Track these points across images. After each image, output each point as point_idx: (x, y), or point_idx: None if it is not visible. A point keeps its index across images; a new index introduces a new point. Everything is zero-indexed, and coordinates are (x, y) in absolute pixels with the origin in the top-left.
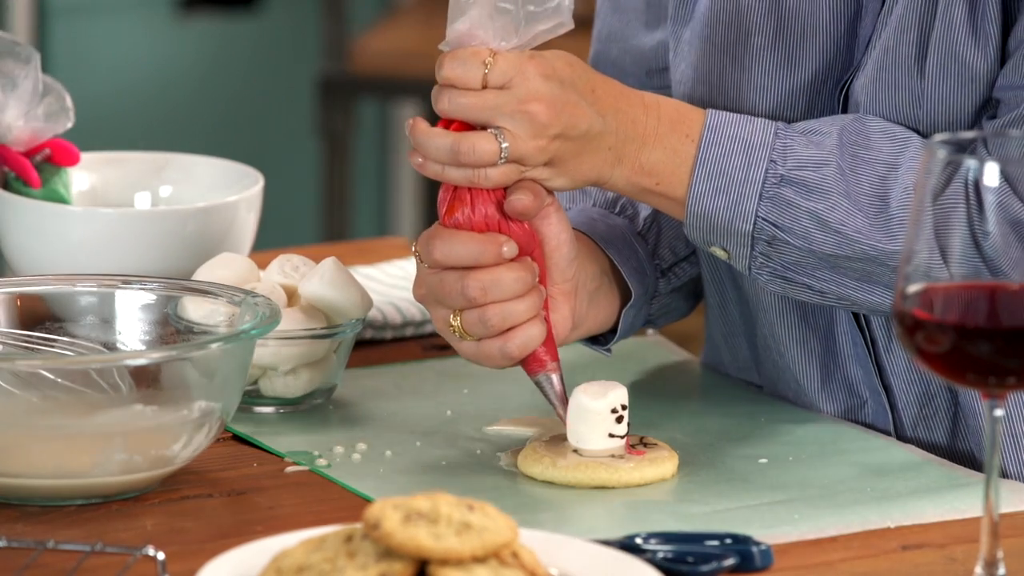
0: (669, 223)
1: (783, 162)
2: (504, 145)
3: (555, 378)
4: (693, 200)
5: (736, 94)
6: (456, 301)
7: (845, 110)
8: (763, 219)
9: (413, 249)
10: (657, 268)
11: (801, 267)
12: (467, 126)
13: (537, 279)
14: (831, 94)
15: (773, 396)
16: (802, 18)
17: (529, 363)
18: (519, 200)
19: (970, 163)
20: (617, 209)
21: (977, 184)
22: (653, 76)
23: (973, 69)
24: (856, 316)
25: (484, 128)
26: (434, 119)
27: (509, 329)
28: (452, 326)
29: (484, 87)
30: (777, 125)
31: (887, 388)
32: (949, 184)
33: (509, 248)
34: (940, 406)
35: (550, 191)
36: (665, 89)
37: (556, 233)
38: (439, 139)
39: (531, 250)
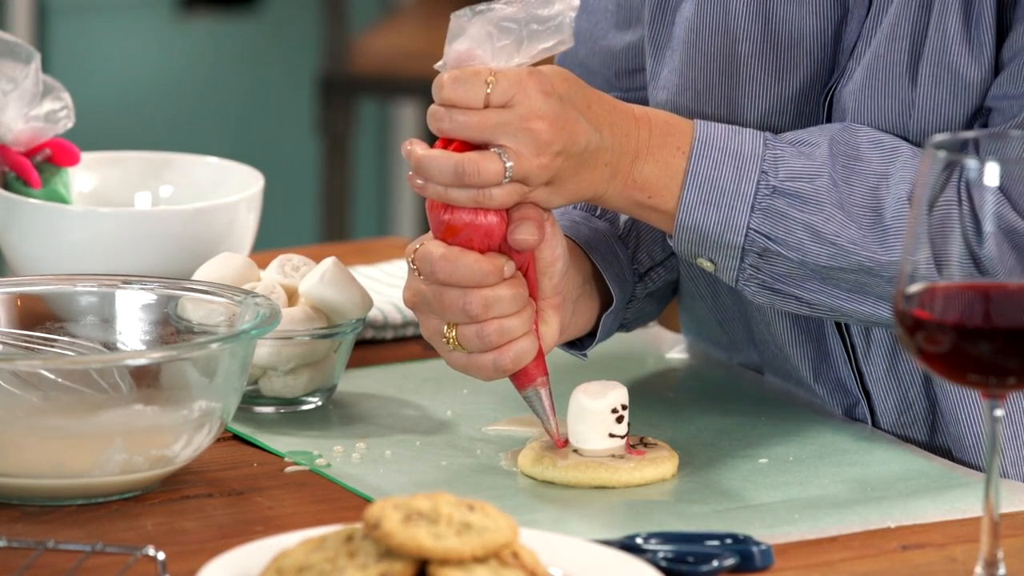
0: (647, 227)
1: (775, 173)
2: (509, 164)
3: (543, 392)
4: (683, 213)
5: (724, 101)
6: (456, 316)
7: (830, 116)
8: (755, 231)
9: (410, 260)
10: (635, 273)
11: (791, 279)
12: (466, 146)
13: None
14: (817, 100)
15: (776, 380)
16: (789, 24)
17: (519, 378)
18: (524, 240)
19: (968, 163)
20: (598, 212)
21: (971, 188)
22: (622, 77)
23: (966, 78)
24: (837, 322)
25: (485, 148)
26: (428, 127)
27: (503, 343)
28: (446, 337)
29: (485, 106)
30: (765, 135)
31: (867, 394)
32: (944, 189)
33: (509, 268)
34: (919, 414)
35: (546, 208)
36: (634, 91)
37: (552, 249)
38: (441, 161)
39: (524, 264)
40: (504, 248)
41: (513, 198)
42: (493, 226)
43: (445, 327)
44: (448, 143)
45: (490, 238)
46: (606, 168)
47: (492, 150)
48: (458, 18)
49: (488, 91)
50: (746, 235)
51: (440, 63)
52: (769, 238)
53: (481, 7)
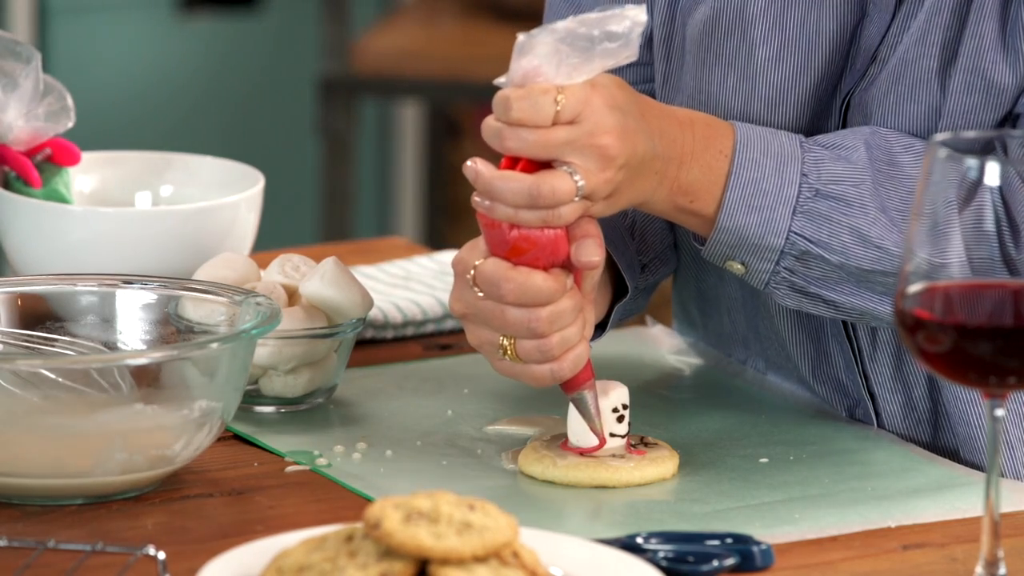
0: (645, 219)
1: (816, 176)
2: (581, 183)
3: (590, 395)
4: (725, 216)
5: (739, 103)
6: (518, 333)
7: (846, 118)
8: (796, 234)
9: (470, 278)
10: (639, 263)
11: (824, 282)
12: (532, 165)
13: None
14: (829, 102)
15: (776, 380)
16: (806, 27)
17: (570, 382)
18: (591, 261)
19: (999, 167)
20: None
21: (1004, 190)
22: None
23: (1000, 85)
24: (844, 324)
25: (548, 165)
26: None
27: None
28: (503, 348)
29: (552, 124)
30: (799, 137)
31: (872, 396)
32: (977, 190)
33: (570, 281)
34: (922, 416)
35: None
36: None
37: None
38: (515, 183)
39: (575, 269)
40: (566, 263)
41: (577, 214)
42: (559, 243)
43: (502, 339)
44: (513, 161)
45: (555, 255)
46: (655, 176)
47: (562, 168)
48: (530, 36)
49: (558, 108)
50: (787, 238)
51: (502, 79)
52: (811, 241)
53: (555, 25)
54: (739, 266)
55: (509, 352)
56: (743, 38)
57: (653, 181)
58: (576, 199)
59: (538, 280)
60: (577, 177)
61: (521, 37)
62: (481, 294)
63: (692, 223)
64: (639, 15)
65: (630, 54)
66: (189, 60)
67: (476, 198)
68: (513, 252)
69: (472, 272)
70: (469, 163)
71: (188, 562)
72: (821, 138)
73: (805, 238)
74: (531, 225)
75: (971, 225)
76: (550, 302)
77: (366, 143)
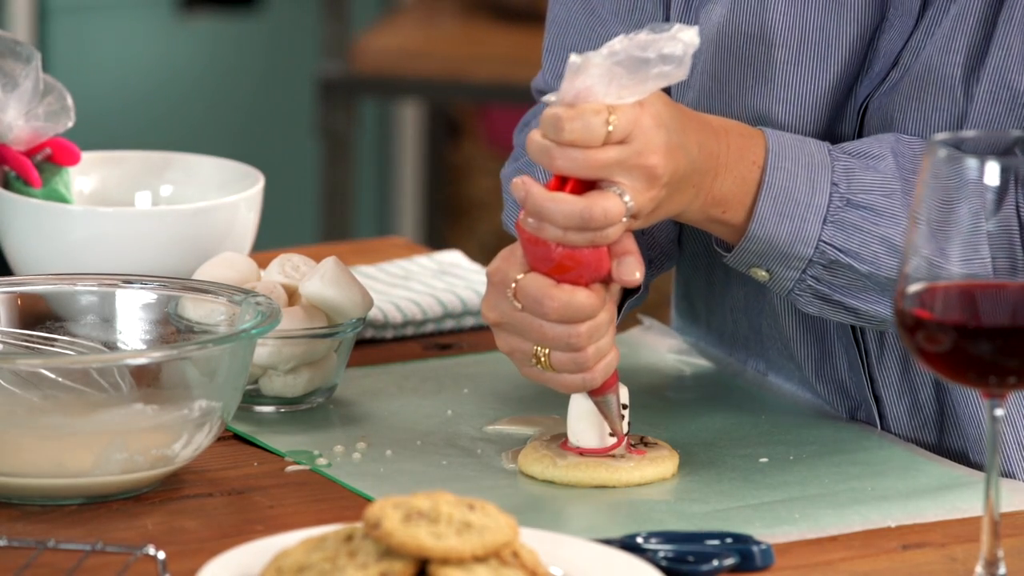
0: None
1: (846, 186)
2: (630, 204)
3: (614, 398)
4: (757, 225)
5: (756, 104)
6: (556, 346)
7: (864, 122)
8: (826, 243)
9: (511, 294)
10: (646, 259)
11: (849, 290)
12: (581, 184)
13: None
14: (843, 104)
15: (777, 380)
16: (825, 30)
17: (599, 387)
18: (632, 280)
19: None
20: None
21: None
22: None
23: None
24: (853, 328)
25: (595, 184)
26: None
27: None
28: (536, 358)
29: (603, 144)
30: (827, 145)
31: (877, 399)
32: (1004, 195)
33: (607, 295)
34: (928, 417)
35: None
36: None
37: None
38: (567, 205)
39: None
40: (606, 277)
41: (622, 232)
42: (602, 261)
43: (536, 348)
44: (562, 180)
45: (598, 272)
46: (692, 189)
47: (611, 189)
48: (586, 58)
49: (610, 129)
50: (816, 247)
51: (552, 96)
52: (841, 251)
53: (612, 46)
54: (764, 273)
55: (542, 362)
56: (762, 40)
57: (690, 194)
58: (625, 219)
59: (581, 298)
60: (627, 198)
61: (575, 58)
62: (520, 307)
63: (721, 231)
64: (693, 37)
65: (682, 75)
66: (189, 60)
67: (523, 217)
68: (557, 270)
69: (513, 286)
70: (518, 181)
71: (188, 562)
72: (847, 146)
73: (835, 247)
74: (580, 245)
75: (998, 230)
76: (591, 318)
77: (366, 143)
